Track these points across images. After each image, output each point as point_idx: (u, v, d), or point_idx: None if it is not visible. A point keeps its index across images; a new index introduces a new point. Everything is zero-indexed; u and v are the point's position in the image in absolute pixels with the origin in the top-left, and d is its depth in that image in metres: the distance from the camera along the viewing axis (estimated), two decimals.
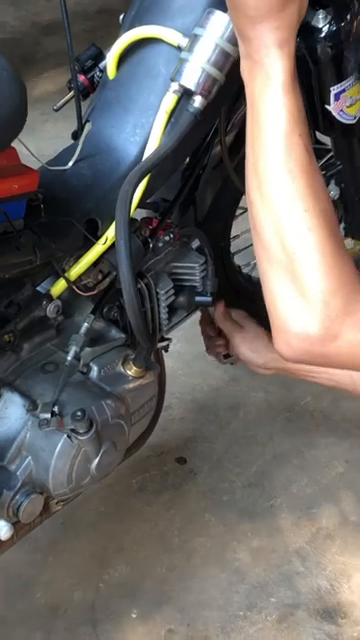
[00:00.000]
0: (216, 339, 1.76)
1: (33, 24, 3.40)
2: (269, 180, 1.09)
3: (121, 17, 1.50)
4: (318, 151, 1.89)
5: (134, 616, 1.75)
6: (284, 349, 1.09)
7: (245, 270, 2.11)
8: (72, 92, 1.50)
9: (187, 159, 1.64)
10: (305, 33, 1.61)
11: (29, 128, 2.81)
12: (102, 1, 3.33)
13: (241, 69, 1.14)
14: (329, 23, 1.58)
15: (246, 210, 1.88)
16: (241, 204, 1.89)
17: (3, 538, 1.31)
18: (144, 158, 1.36)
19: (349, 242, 2.10)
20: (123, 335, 1.52)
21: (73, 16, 3.47)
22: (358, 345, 1.04)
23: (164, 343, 1.68)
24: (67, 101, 1.55)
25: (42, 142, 2.68)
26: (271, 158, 1.09)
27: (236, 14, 1.10)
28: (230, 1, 1.10)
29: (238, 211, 1.92)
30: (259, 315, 2.01)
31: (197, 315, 1.84)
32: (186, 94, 1.34)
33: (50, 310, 1.42)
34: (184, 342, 2.22)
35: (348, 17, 1.59)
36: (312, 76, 1.64)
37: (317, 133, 1.85)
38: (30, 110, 2.74)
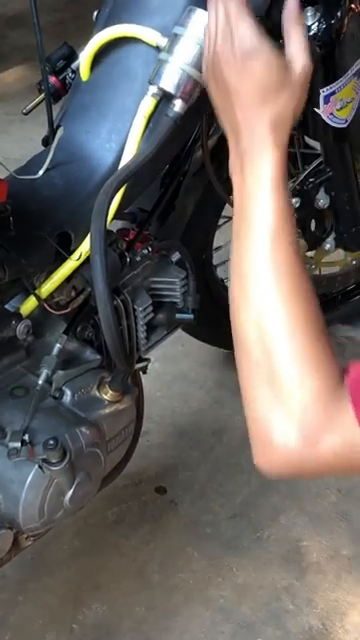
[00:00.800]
0: None
1: (5, 20, 3.42)
2: (252, 281, 1.10)
3: (95, 14, 1.52)
4: (307, 157, 1.92)
5: None
6: (262, 461, 1.06)
7: (228, 283, 2.12)
8: (42, 95, 1.51)
9: (167, 166, 1.65)
10: None
11: (6, 132, 2.82)
12: None
13: (230, 164, 1.15)
14: (318, 21, 1.61)
15: (229, 219, 1.91)
16: (224, 213, 1.91)
17: None
18: (120, 166, 1.37)
19: (340, 253, 2.12)
20: (98, 356, 1.52)
21: (41, 7, 3.46)
22: (340, 450, 1.04)
23: (142, 364, 1.69)
24: (37, 104, 1.57)
25: (8, 145, 2.70)
26: (256, 259, 1.09)
27: (226, 105, 1.14)
28: (220, 93, 1.15)
29: (221, 220, 1.94)
30: None
31: (178, 333, 1.85)
32: (165, 97, 1.36)
33: (20, 330, 1.43)
34: (164, 361, 2.24)
35: (339, 14, 1.61)
36: None
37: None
38: (5, 113, 2.76)
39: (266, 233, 1.08)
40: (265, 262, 1.08)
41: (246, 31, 1.13)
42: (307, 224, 1.93)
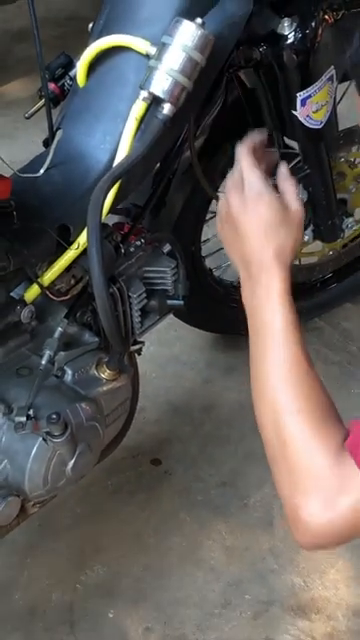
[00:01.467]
0: None
1: (4, 31, 3.40)
2: (264, 377, 1.16)
3: (90, 25, 1.52)
4: (286, 155, 1.92)
5: (111, 615, 1.76)
6: (301, 539, 1.10)
7: (216, 273, 2.12)
8: (43, 100, 1.51)
9: (157, 164, 1.65)
10: (271, 41, 1.63)
11: (10, 136, 2.81)
12: (72, 8, 3.33)
13: (242, 292, 1.26)
14: (294, 30, 1.61)
15: (214, 215, 1.91)
16: (211, 208, 1.91)
17: None
18: (114, 165, 1.37)
19: (318, 244, 2.12)
20: (96, 339, 1.53)
21: (43, 22, 3.47)
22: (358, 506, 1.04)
23: (137, 346, 1.69)
24: (38, 109, 1.57)
25: (15, 148, 2.69)
26: (267, 357, 1.17)
27: (236, 241, 1.30)
28: (231, 232, 1.31)
29: (208, 215, 1.94)
30: (230, 318, 2.04)
31: (170, 318, 1.85)
32: (155, 101, 1.36)
33: (24, 315, 1.43)
34: (158, 345, 2.24)
35: (313, 25, 1.61)
36: (279, 83, 1.67)
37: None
38: (2, 117, 2.74)
39: (276, 335, 1.17)
40: (275, 359, 1.16)
41: (255, 180, 1.30)
42: None
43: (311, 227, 2.00)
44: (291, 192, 1.33)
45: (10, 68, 3.19)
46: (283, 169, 1.39)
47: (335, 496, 1.04)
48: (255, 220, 1.27)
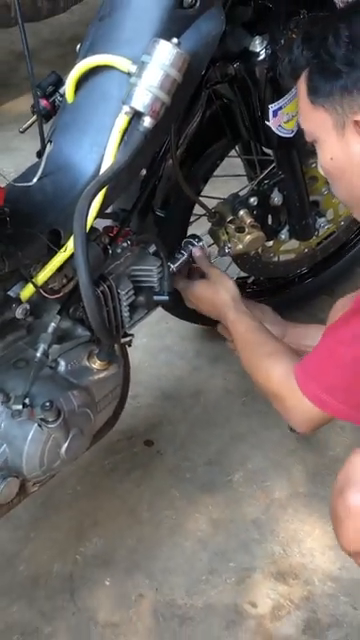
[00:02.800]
0: None
1: (10, 51, 3.39)
2: (246, 351, 1.66)
3: (78, 46, 1.51)
4: (263, 162, 1.91)
5: (107, 583, 1.76)
6: (291, 421, 1.53)
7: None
8: (34, 117, 1.50)
9: (143, 172, 1.65)
10: (244, 57, 1.63)
11: (7, 147, 2.78)
12: (73, 30, 3.32)
13: (224, 322, 1.76)
14: (265, 48, 1.60)
15: (199, 216, 1.91)
16: (194, 211, 1.90)
17: None
18: (100, 173, 1.37)
19: (294, 242, 2.11)
20: (88, 332, 1.52)
21: (47, 43, 3.48)
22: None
23: (127, 339, 1.69)
24: (31, 124, 1.56)
25: (19, 159, 2.68)
26: (245, 344, 1.67)
27: (205, 308, 1.80)
28: (201, 305, 1.81)
29: (192, 217, 1.93)
30: None
31: (159, 312, 1.85)
32: (136, 115, 1.35)
33: (19, 312, 1.42)
34: (150, 337, 2.23)
35: (282, 42, 1.60)
36: (252, 95, 1.66)
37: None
38: (7, 130, 2.72)
39: (243, 332, 1.68)
40: (246, 340, 1.66)
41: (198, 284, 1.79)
42: (265, 219, 1.92)
43: (287, 227, 1.99)
44: (213, 271, 1.77)
45: (15, 86, 3.17)
46: (197, 251, 1.79)
47: (292, 393, 1.45)
48: (211, 300, 1.76)
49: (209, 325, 2.25)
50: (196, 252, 1.78)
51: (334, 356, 1.39)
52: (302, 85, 1.34)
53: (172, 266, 1.70)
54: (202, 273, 1.79)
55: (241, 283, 2.15)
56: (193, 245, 1.78)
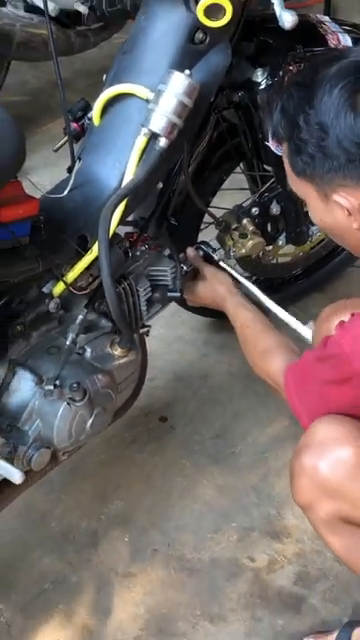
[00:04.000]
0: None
1: (47, 81, 3.38)
2: (248, 344, 1.57)
3: (104, 76, 1.50)
4: (263, 177, 1.90)
5: (126, 540, 1.75)
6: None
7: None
8: (66, 137, 1.50)
9: (160, 185, 1.64)
10: (248, 86, 1.62)
11: (46, 163, 2.79)
12: (101, 63, 3.30)
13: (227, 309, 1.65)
14: (266, 78, 1.59)
15: (207, 225, 1.89)
16: (204, 220, 1.89)
17: (17, 482, 1.31)
18: (122, 187, 1.36)
19: (290, 247, 2.10)
20: (110, 324, 1.52)
21: (80, 74, 3.46)
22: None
23: (145, 329, 1.68)
24: (63, 144, 1.55)
25: (56, 174, 2.67)
26: (245, 337, 1.58)
27: (204, 300, 1.73)
28: (200, 299, 1.73)
29: (202, 225, 1.92)
30: None
31: (173, 307, 1.84)
32: (153, 136, 1.35)
33: (51, 306, 1.42)
34: (166, 328, 2.22)
35: (280, 73, 1.59)
36: (254, 120, 1.65)
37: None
38: (44, 149, 2.71)
39: (243, 324, 1.58)
40: (246, 333, 1.57)
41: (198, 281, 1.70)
42: (265, 227, 1.90)
43: (284, 234, 1.97)
44: (207, 269, 1.69)
45: (53, 110, 3.15)
46: (190, 252, 1.70)
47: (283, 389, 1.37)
48: (209, 292, 1.69)
49: (216, 317, 2.24)
50: (190, 253, 1.69)
51: (311, 373, 1.31)
52: (286, 151, 1.23)
53: (184, 267, 1.69)
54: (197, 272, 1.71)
55: None
56: (201, 249, 1.74)
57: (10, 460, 1.34)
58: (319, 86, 1.13)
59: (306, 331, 1.65)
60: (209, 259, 1.74)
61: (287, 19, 1.22)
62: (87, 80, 3.33)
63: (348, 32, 1.68)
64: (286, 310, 2.12)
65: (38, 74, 3.42)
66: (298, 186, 1.25)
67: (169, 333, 2.24)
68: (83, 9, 2.69)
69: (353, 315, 1.22)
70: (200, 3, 1.12)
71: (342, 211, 1.18)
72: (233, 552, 1.73)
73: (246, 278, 2.16)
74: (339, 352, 1.20)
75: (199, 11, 1.11)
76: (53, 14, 2.59)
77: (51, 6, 2.54)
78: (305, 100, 1.14)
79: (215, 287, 1.67)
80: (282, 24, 1.23)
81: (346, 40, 1.66)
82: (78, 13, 2.71)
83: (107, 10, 2.71)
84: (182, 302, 1.89)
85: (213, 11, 1.12)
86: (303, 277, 2.29)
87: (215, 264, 1.73)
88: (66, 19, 2.71)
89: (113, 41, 3.01)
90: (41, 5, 2.57)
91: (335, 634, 1.53)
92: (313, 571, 1.69)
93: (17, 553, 1.73)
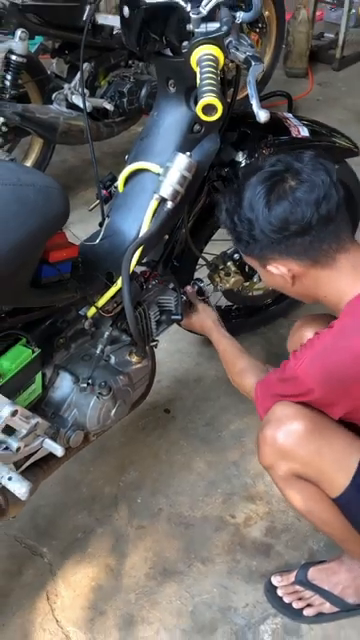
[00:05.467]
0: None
1: (82, 160, 3.41)
2: (228, 365, 1.58)
3: (126, 156, 1.53)
4: None
5: (139, 501, 1.76)
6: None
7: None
8: (98, 200, 1.52)
9: (166, 237, 1.66)
10: (232, 165, 1.64)
11: (81, 221, 2.83)
12: (123, 147, 3.34)
13: (212, 337, 1.65)
14: (245, 158, 1.61)
15: (201, 266, 1.90)
16: (199, 263, 1.90)
17: (59, 455, 1.31)
18: (139, 238, 1.38)
19: (262, 283, 2.09)
20: (129, 338, 1.53)
21: (108, 154, 3.49)
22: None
23: (154, 343, 1.69)
24: (96, 205, 1.58)
25: (89, 228, 2.69)
26: (226, 360, 1.59)
27: (194, 327, 1.73)
28: (193, 326, 1.73)
29: (197, 266, 1.93)
30: None
31: (174, 327, 1.84)
32: (162, 201, 1.37)
33: (86, 325, 1.44)
34: (169, 343, 2.23)
35: (256, 155, 1.61)
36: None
37: None
38: (81, 209, 2.74)
39: (223, 350, 1.59)
40: (226, 357, 1.58)
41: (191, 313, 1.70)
42: (243, 268, 1.91)
43: (257, 273, 1.98)
44: (196, 302, 1.71)
45: (87, 181, 3.19)
46: (189, 291, 1.72)
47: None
48: (200, 321, 1.68)
49: (204, 335, 2.24)
50: (188, 289, 1.72)
51: (273, 389, 1.33)
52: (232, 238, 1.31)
53: (184, 297, 1.71)
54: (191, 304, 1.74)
55: (227, 309, 2.16)
56: (196, 285, 1.76)
57: (54, 439, 1.35)
58: (245, 191, 1.23)
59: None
60: (201, 293, 1.77)
61: (262, 115, 1.25)
62: (113, 159, 3.36)
63: (306, 125, 1.72)
64: (259, 330, 2.15)
65: (75, 154, 3.46)
66: (247, 260, 1.35)
67: (171, 346, 2.24)
68: (110, 106, 2.76)
69: (317, 333, 1.24)
70: (199, 104, 1.16)
71: (279, 276, 1.26)
72: (219, 511, 1.73)
73: (230, 306, 2.20)
74: (294, 376, 1.24)
75: (198, 110, 1.14)
76: (88, 110, 2.65)
77: (87, 104, 2.60)
78: (237, 203, 1.25)
79: (204, 320, 1.69)
80: (258, 119, 1.25)
81: (304, 131, 1.69)
82: (106, 109, 2.78)
83: (127, 108, 2.78)
84: (181, 323, 1.90)
85: (208, 110, 1.15)
86: (273, 305, 2.30)
87: (205, 299, 1.76)
88: (97, 114, 2.78)
89: (132, 131, 3.07)
90: (79, 104, 2.62)
91: (295, 572, 1.53)
92: (279, 526, 1.69)
93: (57, 511, 1.73)
